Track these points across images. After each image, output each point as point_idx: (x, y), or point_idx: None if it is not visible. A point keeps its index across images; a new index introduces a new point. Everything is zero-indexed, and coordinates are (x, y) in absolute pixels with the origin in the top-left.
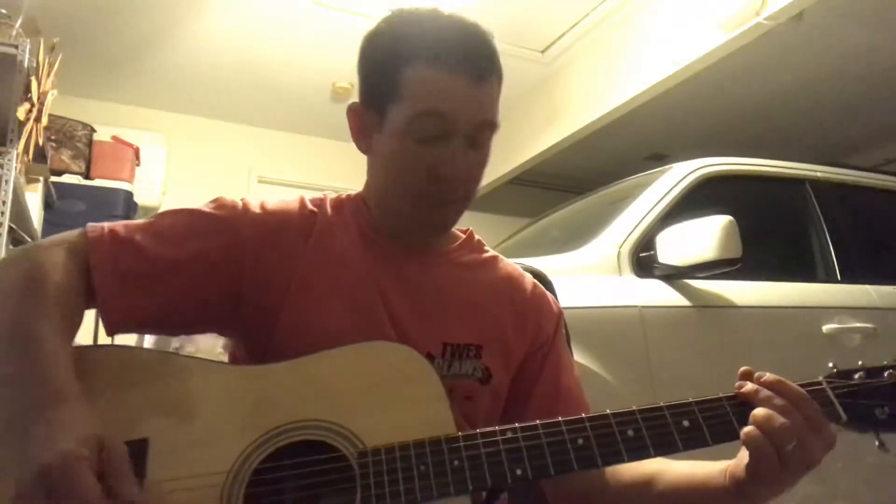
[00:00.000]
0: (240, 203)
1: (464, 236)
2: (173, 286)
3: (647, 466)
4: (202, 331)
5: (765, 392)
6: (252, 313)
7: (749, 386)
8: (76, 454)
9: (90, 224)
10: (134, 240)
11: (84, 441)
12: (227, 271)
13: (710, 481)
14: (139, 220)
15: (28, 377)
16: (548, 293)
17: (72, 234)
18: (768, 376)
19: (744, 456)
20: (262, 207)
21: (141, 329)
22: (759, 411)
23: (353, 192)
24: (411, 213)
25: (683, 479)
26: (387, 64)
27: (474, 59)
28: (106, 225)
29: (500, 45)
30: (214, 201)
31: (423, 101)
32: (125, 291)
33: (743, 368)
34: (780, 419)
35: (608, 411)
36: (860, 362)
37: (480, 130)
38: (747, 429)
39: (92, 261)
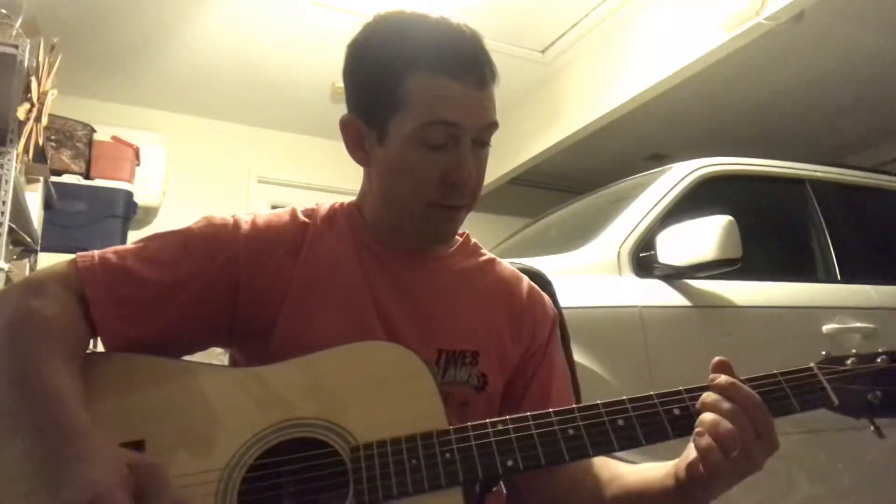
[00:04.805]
0: (230, 220)
1: (460, 240)
2: (172, 309)
3: (610, 470)
4: (202, 349)
5: (713, 396)
6: (248, 327)
7: (706, 394)
8: (110, 482)
9: (79, 254)
10: (127, 266)
11: (113, 468)
12: (224, 288)
13: (656, 483)
14: (129, 246)
15: (43, 421)
16: (544, 296)
17: (61, 265)
18: (721, 379)
19: (687, 456)
20: (253, 224)
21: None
22: (706, 416)
23: (345, 201)
24: (422, 221)
25: (635, 481)
26: (384, 74)
27: (476, 65)
28: (96, 253)
29: (500, 45)
30: (204, 220)
31: (431, 111)
32: (125, 320)
33: (717, 359)
34: (726, 425)
35: (598, 402)
36: (853, 350)
37: (485, 131)
38: (697, 433)
39: (88, 292)
